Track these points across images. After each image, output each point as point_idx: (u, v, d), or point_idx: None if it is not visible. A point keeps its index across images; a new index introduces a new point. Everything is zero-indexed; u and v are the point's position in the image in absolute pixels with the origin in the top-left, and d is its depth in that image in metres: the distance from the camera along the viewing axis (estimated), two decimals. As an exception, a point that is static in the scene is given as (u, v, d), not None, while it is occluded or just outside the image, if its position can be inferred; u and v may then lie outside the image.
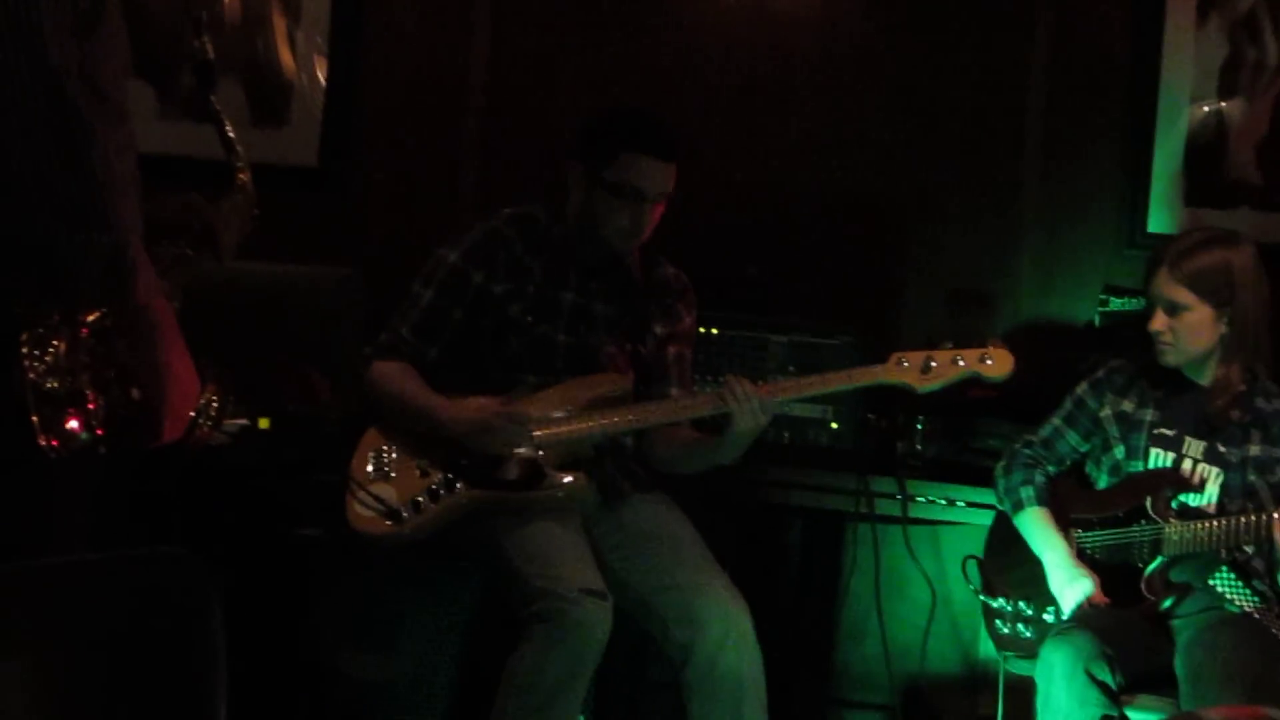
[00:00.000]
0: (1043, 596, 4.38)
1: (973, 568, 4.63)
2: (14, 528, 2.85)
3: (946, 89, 5.85)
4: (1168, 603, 4.27)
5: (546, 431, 4.27)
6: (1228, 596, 4.29)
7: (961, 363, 4.16)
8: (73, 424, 2.75)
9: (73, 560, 2.72)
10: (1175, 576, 4.27)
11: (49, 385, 2.72)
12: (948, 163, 5.85)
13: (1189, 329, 4.26)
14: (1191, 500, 4.30)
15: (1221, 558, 4.28)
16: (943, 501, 5.03)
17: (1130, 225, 5.75)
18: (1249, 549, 4.25)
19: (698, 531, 4.41)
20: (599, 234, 4.42)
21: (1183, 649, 4.12)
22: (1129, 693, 4.05)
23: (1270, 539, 4.04)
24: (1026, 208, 5.81)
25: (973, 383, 4.21)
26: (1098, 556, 4.36)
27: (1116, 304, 5.32)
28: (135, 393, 2.84)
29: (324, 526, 4.51)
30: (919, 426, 5.16)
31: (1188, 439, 4.34)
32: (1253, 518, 4.09)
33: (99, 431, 2.78)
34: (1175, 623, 4.26)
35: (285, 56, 6.06)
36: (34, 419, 2.72)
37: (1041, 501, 4.45)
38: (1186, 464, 4.33)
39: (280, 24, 6.06)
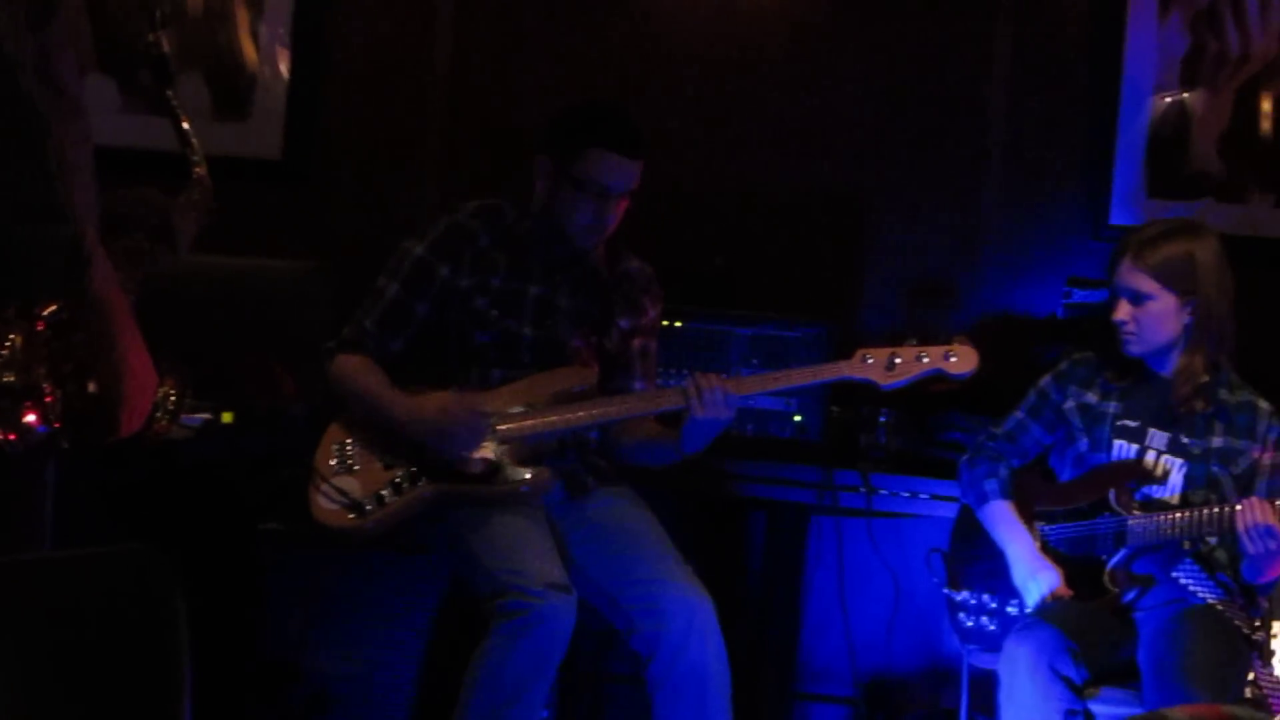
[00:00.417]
0: (1006, 590, 4.39)
1: (936, 561, 4.64)
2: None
3: (909, 82, 5.86)
4: (1131, 595, 4.28)
5: (510, 426, 4.27)
6: (1191, 588, 4.30)
7: (926, 359, 4.16)
8: (30, 418, 2.73)
9: (36, 558, 2.72)
10: (1138, 569, 4.28)
11: (5, 379, 2.70)
12: (911, 156, 5.86)
13: (1153, 319, 4.27)
14: (1155, 492, 4.31)
15: (1185, 550, 4.29)
16: (906, 494, 5.04)
17: (1093, 217, 5.76)
18: (1212, 540, 4.26)
19: (662, 525, 4.40)
20: (564, 228, 4.41)
21: (1146, 642, 4.14)
22: (1092, 685, 4.06)
23: (1233, 530, 4.05)
24: (989, 200, 5.82)
25: (937, 378, 4.21)
26: (1061, 549, 4.37)
27: (1080, 296, 5.32)
28: (92, 386, 2.82)
29: (287, 520, 4.51)
30: (883, 420, 5.16)
31: (1151, 430, 4.35)
32: (1216, 509, 4.10)
33: (56, 425, 2.77)
34: (1138, 615, 4.27)
35: (248, 49, 6.04)
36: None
37: (1005, 495, 4.46)
38: (1150, 456, 4.34)
39: (243, 16, 6.03)
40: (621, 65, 5.93)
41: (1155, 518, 4.20)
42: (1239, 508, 4.05)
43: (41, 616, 2.36)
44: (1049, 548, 4.38)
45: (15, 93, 2.63)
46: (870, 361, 4.19)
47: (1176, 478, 4.31)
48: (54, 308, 2.77)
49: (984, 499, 4.47)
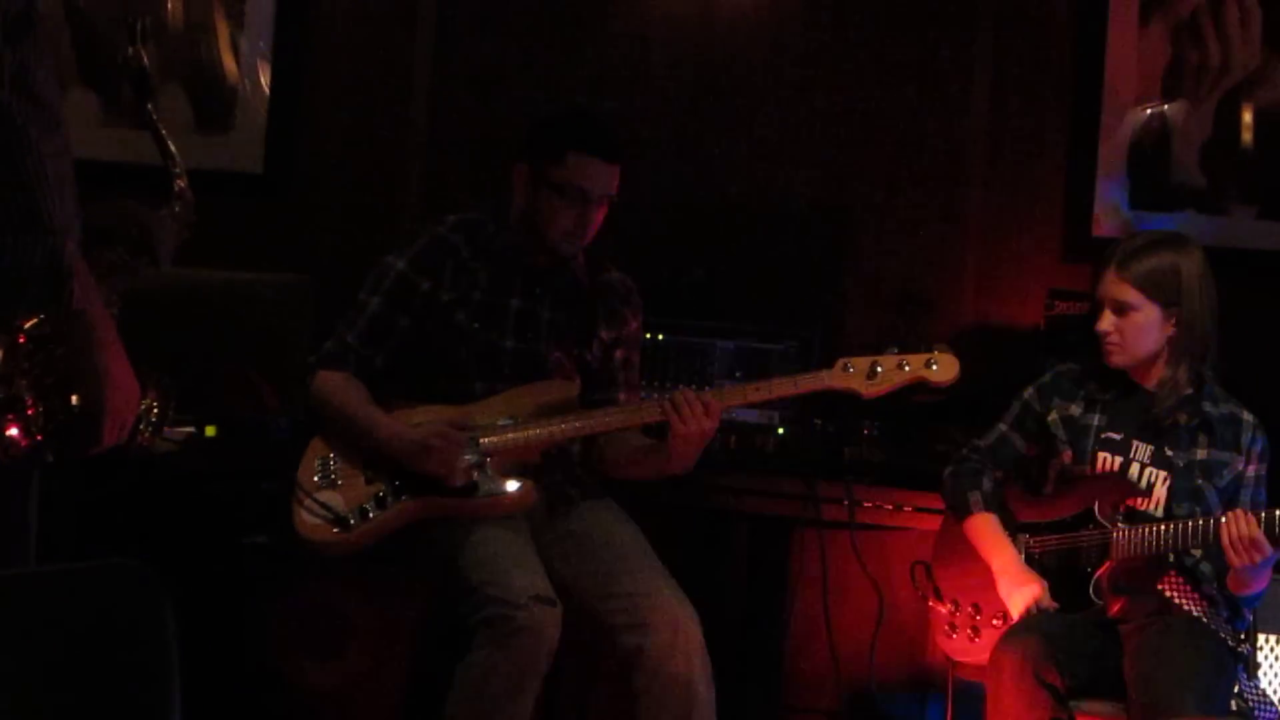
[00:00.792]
0: (991, 602, 4.38)
1: (921, 573, 4.63)
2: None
3: (890, 94, 5.86)
4: (1116, 607, 4.27)
5: (493, 439, 4.26)
6: (1176, 601, 4.29)
7: (907, 368, 4.16)
8: (13, 431, 2.73)
9: (24, 571, 2.71)
10: (1123, 580, 4.27)
11: (-14, 392, 2.70)
12: (891, 167, 5.86)
13: (1136, 330, 4.27)
14: (1139, 504, 4.31)
15: (1169, 562, 4.29)
16: (890, 507, 5.03)
17: (1075, 228, 5.76)
18: (1196, 553, 4.25)
19: (645, 538, 4.40)
20: (543, 236, 4.41)
21: (1131, 654, 4.13)
22: (1077, 697, 4.05)
23: (1218, 543, 4.05)
24: (970, 212, 5.82)
25: (919, 387, 4.21)
26: (1046, 561, 4.36)
27: (1062, 308, 5.32)
28: (75, 399, 2.82)
29: (271, 534, 4.50)
30: (865, 431, 5.15)
31: (1135, 443, 4.34)
32: (1200, 521, 4.09)
33: (39, 438, 2.76)
34: (1124, 627, 4.26)
35: (229, 62, 6.05)
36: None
37: (989, 506, 4.45)
38: (1134, 468, 4.33)
39: (223, 29, 6.04)
40: (605, 78, 5.94)
41: (1140, 530, 4.19)
42: (1224, 520, 4.04)
43: (30, 631, 2.34)
44: (1033, 559, 4.38)
45: None
46: (851, 370, 4.19)
47: (1161, 490, 4.30)
48: (35, 320, 2.76)
49: (968, 511, 4.46)
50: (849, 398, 4.22)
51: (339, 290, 4.60)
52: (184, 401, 3.39)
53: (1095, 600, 4.25)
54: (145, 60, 3.51)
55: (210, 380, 4.69)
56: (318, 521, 4.24)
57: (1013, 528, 4.43)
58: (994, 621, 4.39)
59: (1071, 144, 5.80)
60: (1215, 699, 4.00)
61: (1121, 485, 4.31)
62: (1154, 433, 4.33)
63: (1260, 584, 4.19)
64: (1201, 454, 4.29)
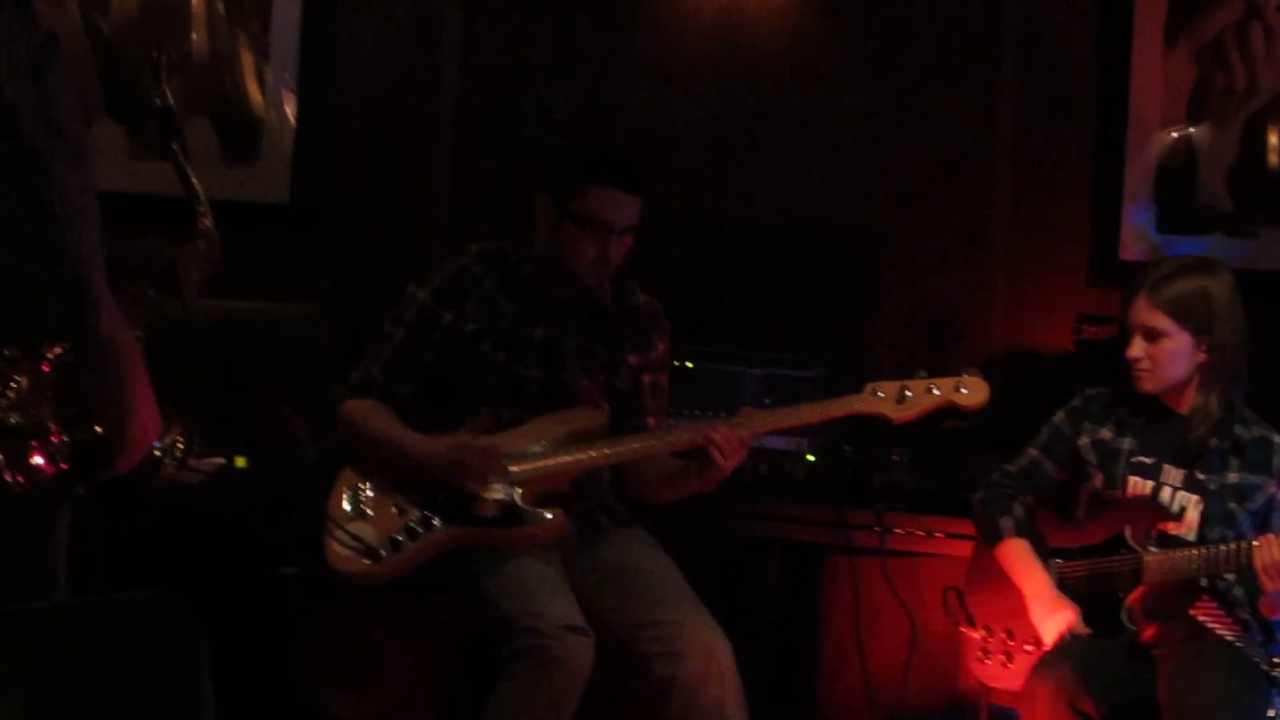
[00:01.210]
0: (1024, 627, 4.36)
1: (953, 598, 4.62)
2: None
3: (916, 119, 5.87)
4: (1149, 632, 4.25)
5: (523, 467, 4.26)
6: (1209, 625, 4.27)
7: (936, 391, 4.15)
8: (37, 459, 2.73)
9: (60, 603, 2.72)
10: (1155, 605, 4.25)
11: (12, 420, 2.70)
12: (919, 192, 5.86)
13: (1167, 356, 4.25)
14: (1171, 528, 4.29)
15: (1202, 586, 4.27)
16: (921, 533, 5.02)
17: (1102, 253, 5.75)
18: (1229, 577, 4.23)
19: (676, 566, 4.39)
20: (567, 267, 4.40)
21: (1165, 679, 4.11)
22: (1112, 723, 4.04)
23: (1250, 567, 4.03)
24: (998, 236, 5.82)
25: (948, 412, 4.20)
26: (1078, 586, 4.35)
27: (1091, 332, 5.31)
28: (98, 427, 2.82)
29: (303, 565, 4.50)
30: (896, 458, 5.14)
31: (1166, 467, 4.33)
32: (1232, 546, 4.07)
33: (63, 465, 2.76)
34: (1157, 652, 4.24)
35: (254, 94, 6.06)
36: (-1, 455, 2.71)
37: (1021, 532, 4.43)
38: (1165, 492, 4.31)
39: (249, 61, 6.06)
40: (629, 107, 5.95)
41: (1172, 554, 4.17)
42: (1255, 544, 4.02)
43: (64, 663, 2.35)
44: (1065, 585, 4.36)
45: (18, 137, 2.63)
46: (880, 395, 4.18)
47: (1193, 514, 4.28)
48: (60, 349, 2.77)
49: (999, 536, 4.44)
50: (879, 423, 4.21)
51: (365, 319, 4.60)
52: (213, 433, 3.39)
53: (1128, 625, 4.23)
54: (170, 99, 3.53)
55: (238, 411, 4.69)
56: (348, 553, 4.23)
57: (1044, 553, 4.42)
58: (1027, 647, 4.37)
59: (1098, 168, 5.80)
60: (1247, 721, 3.99)
61: (1153, 509, 4.29)
62: (1185, 457, 4.31)
63: (1293, 607, 4.18)
64: (1233, 477, 4.27)
